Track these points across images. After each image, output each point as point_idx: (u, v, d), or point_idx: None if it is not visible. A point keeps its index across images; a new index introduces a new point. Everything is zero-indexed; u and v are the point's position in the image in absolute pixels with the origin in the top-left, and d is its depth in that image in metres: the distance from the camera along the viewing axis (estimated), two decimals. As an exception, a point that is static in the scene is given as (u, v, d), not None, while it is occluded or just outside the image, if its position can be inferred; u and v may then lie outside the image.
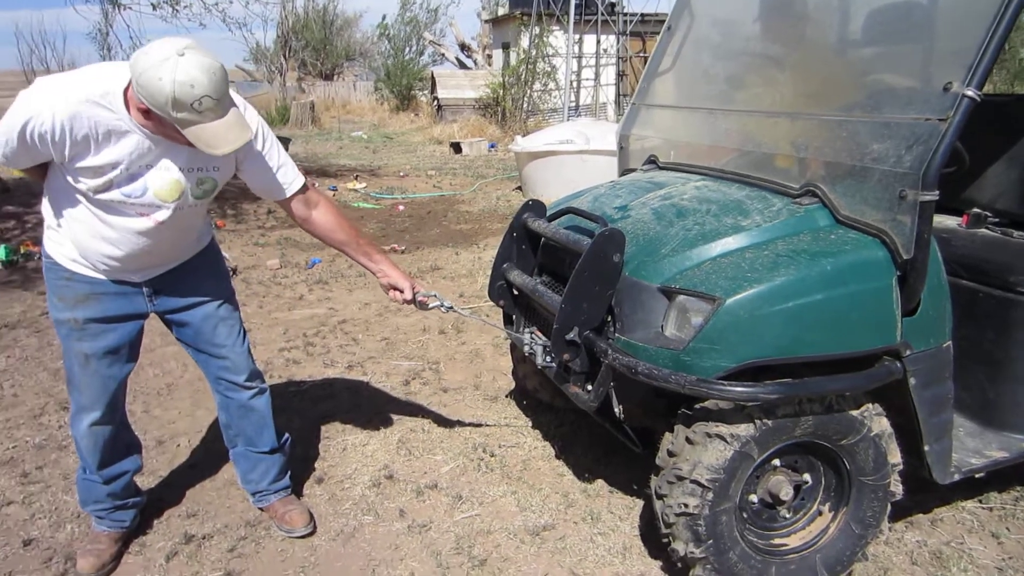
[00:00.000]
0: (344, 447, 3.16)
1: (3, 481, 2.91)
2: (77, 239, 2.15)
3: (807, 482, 2.23)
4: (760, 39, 2.95)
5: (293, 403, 3.59)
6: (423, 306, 2.57)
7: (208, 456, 3.09)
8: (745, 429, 2.03)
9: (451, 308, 2.62)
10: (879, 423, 2.15)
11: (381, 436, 3.24)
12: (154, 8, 9.23)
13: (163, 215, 2.12)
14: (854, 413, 2.11)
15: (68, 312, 2.22)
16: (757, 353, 1.99)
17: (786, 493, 2.16)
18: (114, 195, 2.04)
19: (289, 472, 2.73)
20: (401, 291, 2.50)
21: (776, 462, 2.17)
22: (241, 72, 31.05)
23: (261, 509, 2.69)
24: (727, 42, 3.14)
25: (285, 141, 13.33)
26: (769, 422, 2.04)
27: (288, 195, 2.31)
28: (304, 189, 2.33)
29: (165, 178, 2.07)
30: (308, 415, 3.46)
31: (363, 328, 4.66)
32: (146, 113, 1.90)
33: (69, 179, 2.01)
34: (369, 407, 3.54)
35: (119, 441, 2.46)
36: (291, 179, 2.30)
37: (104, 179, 2.00)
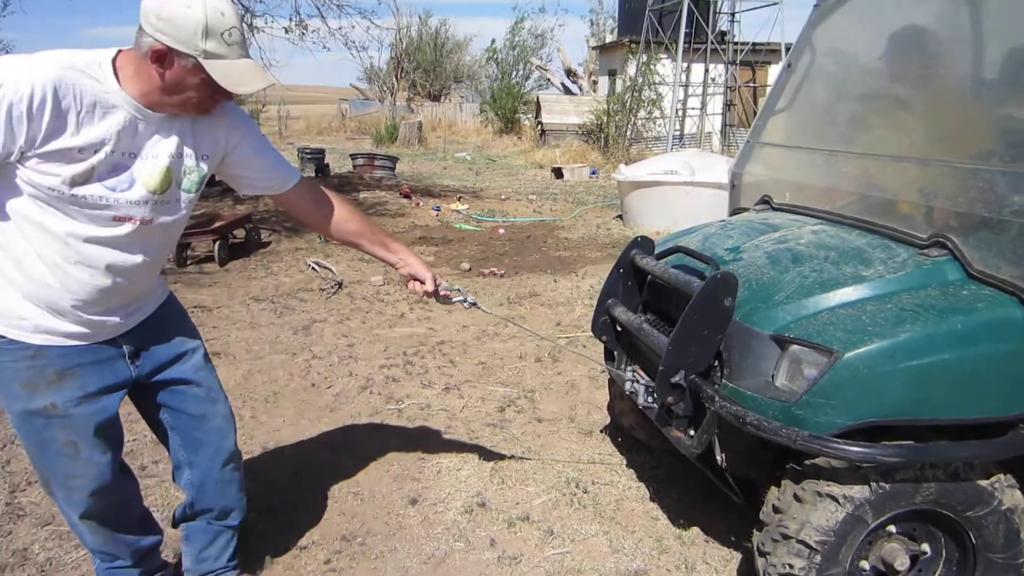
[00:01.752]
0: (438, 470, 3.20)
1: None
2: (38, 280, 1.76)
3: (926, 553, 2.09)
4: (886, 78, 2.83)
5: (390, 421, 3.67)
6: (446, 300, 2.39)
7: (308, 467, 3.20)
8: (859, 491, 1.93)
9: (474, 304, 2.44)
10: (1012, 496, 2.00)
11: (475, 462, 3.26)
12: (286, 32, 9.79)
13: (147, 212, 1.81)
14: (983, 483, 1.97)
15: (40, 400, 1.82)
16: (876, 412, 1.89)
17: (902, 563, 2.03)
18: (94, 189, 1.72)
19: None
20: (422, 282, 2.28)
21: (892, 528, 2.05)
22: (355, 91, 32.48)
23: None
24: (850, 81, 3.02)
25: (392, 159, 13.84)
26: (886, 486, 1.93)
27: (291, 184, 2.07)
28: (302, 180, 2.12)
29: (155, 166, 1.80)
30: (404, 434, 3.53)
31: (461, 350, 4.72)
32: (161, 58, 1.67)
33: (32, 177, 1.66)
34: (464, 431, 3.58)
35: (131, 515, 2.17)
36: (290, 169, 2.09)
37: (85, 165, 1.68)
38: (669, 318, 2.55)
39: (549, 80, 27.93)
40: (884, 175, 2.57)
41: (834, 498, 1.93)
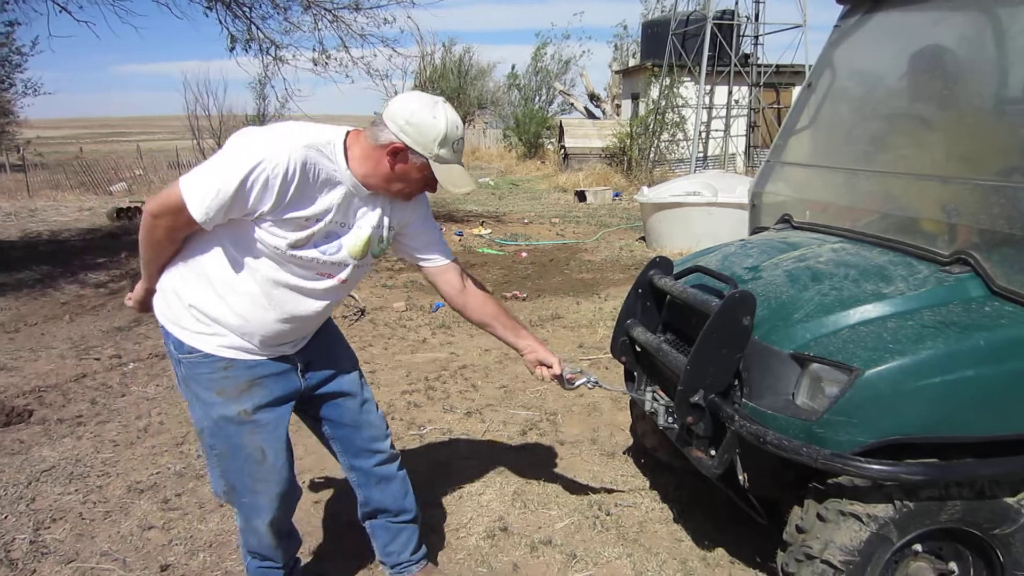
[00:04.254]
0: (460, 495, 3.20)
1: (146, 506, 3.12)
2: (240, 312, 1.99)
3: (953, 572, 2.06)
4: (906, 97, 2.83)
5: (412, 446, 3.68)
6: (570, 384, 2.49)
7: (331, 495, 3.20)
8: (883, 510, 1.91)
9: (597, 384, 2.54)
10: (1039, 514, 1.96)
11: (497, 486, 3.26)
12: (315, 64, 10.00)
13: (346, 274, 2.08)
14: (1010, 501, 1.94)
15: (234, 405, 2.04)
16: (899, 430, 1.88)
17: (928, 583, 2.00)
18: (310, 252, 1.97)
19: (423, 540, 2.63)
20: (549, 367, 2.41)
21: (918, 547, 2.02)
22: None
23: None
24: (870, 100, 3.03)
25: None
26: (911, 504, 1.90)
27: (445, 262, 2.28)
28: (455, 261, 2.32)
29: (359, 236, 2.05)
30: (426, 459, 3.53)
31: (483, 374, 4.73)
32: (396, 153, 1.94)
33: (262, 236, 1.90)
34: (486, 455, 3.57)
35: (290, 522, 2.37)
36: (447, 250, 2.30)
37: (307, 232, 1.93)
38: (688, 338, 2.54)
39: (572, 105, 28.14)
40: (905, 193, 2.56)
41: (858, 517, 1.90)
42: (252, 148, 1.82)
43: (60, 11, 8.11)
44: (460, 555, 2.77)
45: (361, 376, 2.40)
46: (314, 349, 2.23)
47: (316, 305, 2.08)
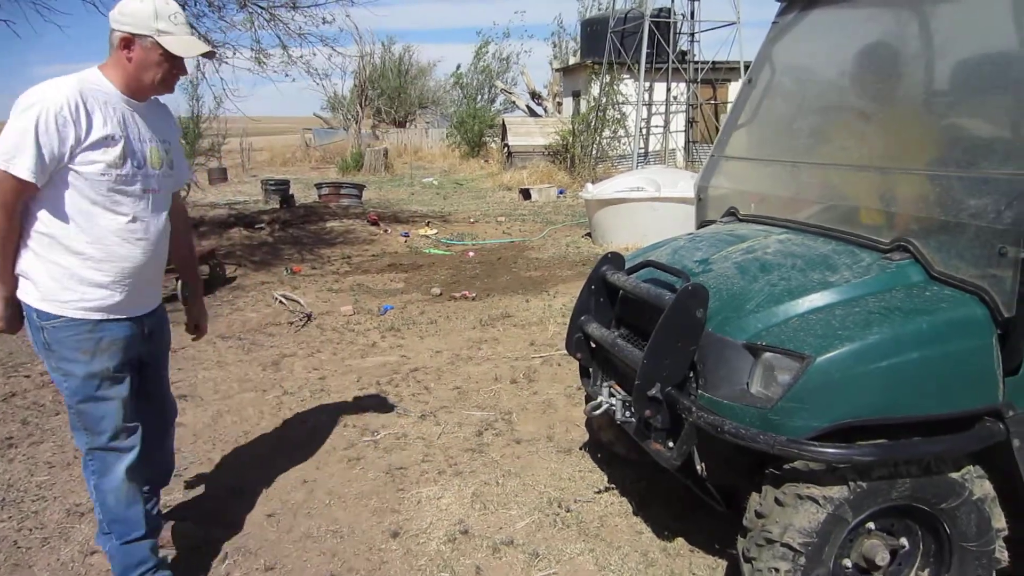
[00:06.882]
0: (419, 500, 3.16)
1: (87, 529, 2.86)
2: (99, 259, 2.24)
3: (904, 547, 2.13)
4: (845, 91, 2.91)
5: (366, 453, 3.61)
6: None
7: (285, 507, 3.12)
8: (838, 491, 1.96)
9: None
10: (981, 486, 2.05)
11: (455, 489, 3.23)
12: (258, 63, 9.72)
13: (155, 184, 2.36)
14: (954, 476, 2.02)
15: (99, 363, 2.29)
16: (850, 413, 1.93)
17: (882, 558, 2.06)
18: (125, 169, 2.25)
19: None
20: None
21: (871, 525, 2.08)
22: (319, 120, 32.40)
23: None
24: (809, 94, 3.10)
25: (359, 187, 13.78)
26: (863, 484, 1.96)
27: (183, 181, 2.66)
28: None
29: (150, 147, 2.35)
30: (381, 465, 3.47)
31: (435, 376, 4.70)
32: (128, 44, 2.20)
33: (82, 171, 2.16)
34: (443, 458, 3.54)
35: (142, 477, 2.52)
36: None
37: (115, 151, 2.20)
38: (642, 332, 2.57)
39: (514, 103, 28.16)
40: (846, 184, 2.64)
41: (814, 500, 1.95)
42: (31, 99, 2.09)
43: (-26, 9, 7.72)
44: (422, 561, 2.74)
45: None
46: (156, 320, 2.54)
47: (157, 223, 2.38)
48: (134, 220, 2.30)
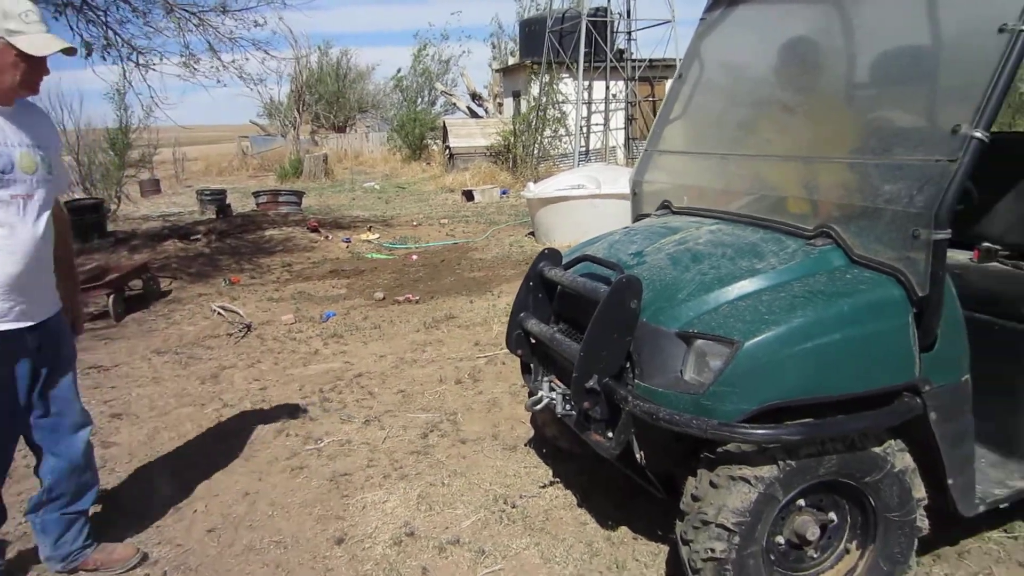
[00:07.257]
0: (363, 505, 3.13)
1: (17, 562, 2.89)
2: None
3: (833, 521, 2.21)
4: (770, 85, 3.00)
5: (310, 462, 3.55)
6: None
7: (226, 521, 3.05)
8: (769, 471, 2.02)
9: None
10: (902, 459, 2.14)
11: (401, 492, 3.21)
12: (187, 68, 9.44)
13: (33, 190, 2.33)
14: (877, 450, 2.10)
15: None
16: (777, 395, 1.99)
17: (812, 533, 2.14)
18: None
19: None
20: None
21: (801, 502, 2.15)
22: (255, 127, 31.76)
23: (72, 572, 2.67)
24: (737, 89, 3.19)
25: (298, 194, 13.54)
26: (792, 463, 2.03)
27: (65, 186, 2.65)
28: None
29: (19, 152, 2.30)
30: (325, 473, 3.43)
31: (379, 381, 4.66)
32: None
33: None
34: (387, 463, 3.52)
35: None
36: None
37: None
38: (580, 326, 2.59)
39: (455, 104, 28.09)
40: (772, 174, 2.72)
41: (747, 480, 2.01)
42: None
43: None
44: (367, 566, 2.71)
45: (74, 373, 2.63)
46: (48, 332, 2.47)
47: (31, 230, 2.33)
48: (1, 227, 2.26)
